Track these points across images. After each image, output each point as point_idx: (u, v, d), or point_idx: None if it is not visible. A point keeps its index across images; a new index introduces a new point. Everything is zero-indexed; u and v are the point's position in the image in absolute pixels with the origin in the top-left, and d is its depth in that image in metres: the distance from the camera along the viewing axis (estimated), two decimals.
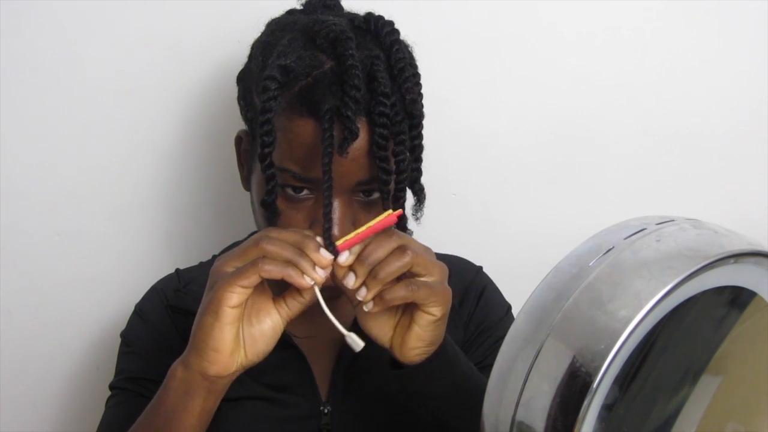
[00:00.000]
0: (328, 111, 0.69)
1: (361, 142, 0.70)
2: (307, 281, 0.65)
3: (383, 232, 0.67)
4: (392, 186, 0.73)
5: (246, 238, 0.90)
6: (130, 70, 1.01)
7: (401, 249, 0.66)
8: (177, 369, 0.68)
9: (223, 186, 1.05)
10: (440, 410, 0.73)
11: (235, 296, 0.64)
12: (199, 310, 0.67)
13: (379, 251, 0.66)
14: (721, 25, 1.07)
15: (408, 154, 0.74)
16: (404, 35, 0.80)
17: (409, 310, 0.69)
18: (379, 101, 0.70)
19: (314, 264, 0.65)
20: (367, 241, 0.66)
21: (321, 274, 0.65)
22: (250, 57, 0.80)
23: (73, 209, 1.04)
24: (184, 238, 1.07)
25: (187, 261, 0.96)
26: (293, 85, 0.71)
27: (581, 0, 1.05)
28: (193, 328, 0.67)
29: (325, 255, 0.65)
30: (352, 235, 0.66)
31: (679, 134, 1.09)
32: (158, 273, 0.92)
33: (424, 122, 0.80)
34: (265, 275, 0.64)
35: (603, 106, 1.08)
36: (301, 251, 0.65)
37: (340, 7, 0.82)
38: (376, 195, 0.74)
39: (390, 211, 0.67)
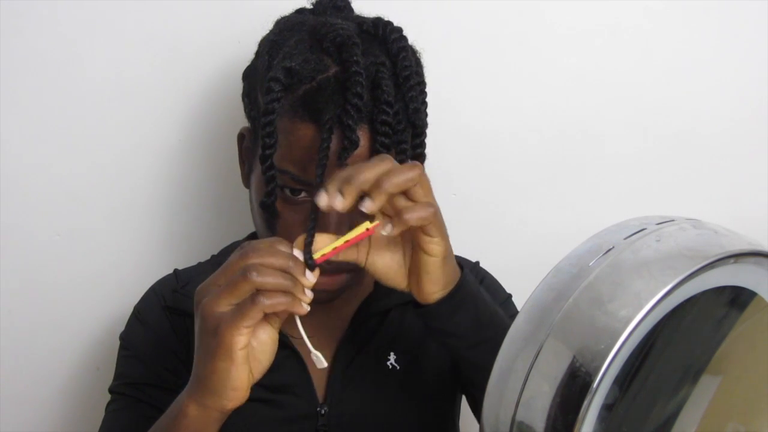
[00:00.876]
0: (329, 121, 0.68)
1: (362, 149, 0.70)
2: (305, 308, 0.62)
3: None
4: None
5: (215, 257, 0.88)
6: (130, 71, 1.01)
7: (411, 163, 0.63)
8: (188, 407, 0.65)
9: (223, 186, 1.05)
10: (465, 347, 0.71)
11: (243, 338, 0.61)
12: (202, 352, 0.63)
13: (382, 165, 0.62)
14: (721, 25, 1.07)
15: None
16: (411, 38, 0.79)
17: (415, 258, 0.67)
18: (381, 109, 0.69)
19: (303, 288, 0.63)
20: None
21: (309, 296, 0.63)
22: (257, 54, 0.79)
23: (73, 209, 1.04)
24: (184, 237, 1.07)
25: (187, 261, 0.96)
26: (297, 88, 0.71)
27: (581, 1, 1.05)
28: (202, 370, 0.63)
29: (310, 278, 0.63)
30: (329, 248, 0.64)
31: (680, 134, 1.09)
32: (158, 273, 0.92)
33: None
34: (270, 311, 0.61)
35: (603, 106, 1.08)
36: (291, 275, 0.62)
37: (350, 9, 0.81)
38: None
39: (367, 223, 0.64)
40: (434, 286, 0.67)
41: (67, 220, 1.04)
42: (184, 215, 1.07)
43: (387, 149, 0.70)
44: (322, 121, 0.69)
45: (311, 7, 0.81)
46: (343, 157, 0.69)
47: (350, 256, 0.66)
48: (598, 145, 1.09)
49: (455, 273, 0.69)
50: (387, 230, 0.63)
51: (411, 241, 0.67)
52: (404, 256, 0.68)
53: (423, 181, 0.63)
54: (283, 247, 0.63)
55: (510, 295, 0.91)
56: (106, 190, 1.04)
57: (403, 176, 0.61)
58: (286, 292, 0.61)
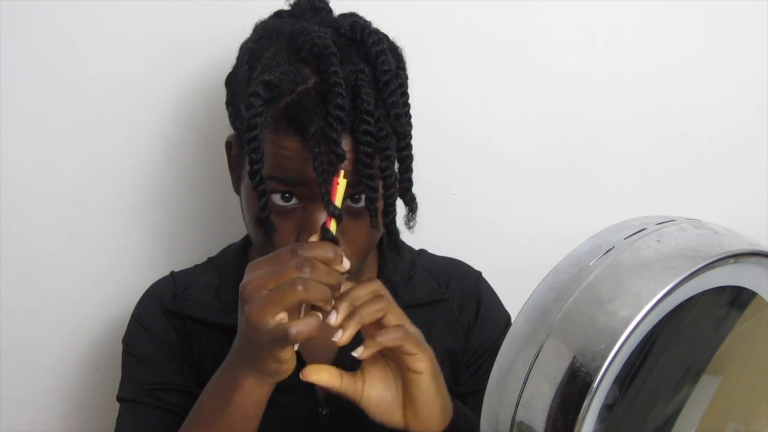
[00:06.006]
0: (315, 135, 0.68)
1: (347, 155, 0.70)
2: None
3: (366, 280, 0.69)
4: (380, 203, 0.72)
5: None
6: (130, 71, 1.01)
7: (378, 296, 0.67)
8: (243, 382, 0.67)
9: (222, 186, 1.04)
10: None
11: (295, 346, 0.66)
12: (258, 355, 0.66)
13: (360, 291, 0.67)
14: (721, 26, 1.07)
15: (395, 169, 0.73)
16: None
17: (407, 383, 0.69)
18: (362, 119, 0.69)
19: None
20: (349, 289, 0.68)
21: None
22: (238, 61, 0.78)
23: (73, 209, 1.04)
24: (184, 238, 1.07)
25: (186, 261, 0.96)
26: (278, 101, 0.70)
27: (581, 1, 1.05)
28: (261, 364, 0.66)
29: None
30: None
31: (679, 134, 1.09)
32: (158, 273, 0.92)
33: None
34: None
35: (603, 107, 1.08)
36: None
37: (329, 9, 0.80)
38: (363, 203, 0.73)
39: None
40: (430, 411, 0.69)
41: (67, 220, 1.04)
42: (183, 215, 1.07)
43: (370, 158, 0.70)
44: (306, 134, 0.69)
45: (289, 8, 0.80)
46: (331, 171, 0.69)
47: (348, 388, 0.69)
48: (598, 146, 1.09)
49: (447, 401, 0.71)
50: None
51: (400, 373, 0.70)
52: (398, 390, 0.70)
53: (392, 310, 0.68)
54: (338, 261, 0.66)
55: (509, 317, 0.91)
56: (106, 190, 1.04)
57: (373, 307, 0.66)
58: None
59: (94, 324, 1.08)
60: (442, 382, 0.70)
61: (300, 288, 0.62)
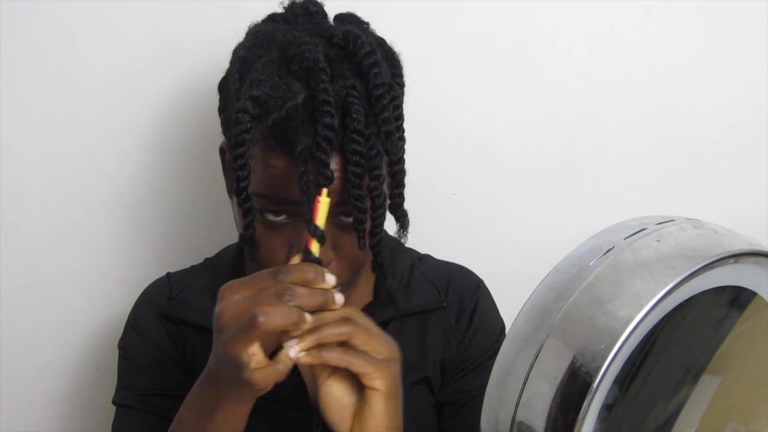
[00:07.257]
0: (302, 153, 0.67)
1: (336, 173, 0.68)
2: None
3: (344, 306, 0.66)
4: (368, 224, 0.70)
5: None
6: (128, 71, 1.01)
7: (345, 319, 0.64)
8: (223, 401, 0.65)
9: (221, 186, 1.05)
10: None
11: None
12: (238, 383, 0.63)
13: (328, 315, 0.64)
14: (721, 27, 1.07)
15: (385, 188, 0.71)
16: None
17: (362, 396, 0.66)
18: (352, 138, 0.67)
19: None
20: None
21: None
22: (231, 65, 0.77)
23: (73, 209, 1.04)
24: (182, 238, 1.07)
25: (185, 261, 0.96)
26: (266, 117, 0.68)
27: (581, 2, 1.05)
28: (240, 385, 0.64)
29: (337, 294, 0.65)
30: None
31: (679, 134, 1.09)
32: (156, 273, 0.92)
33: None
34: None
35: (603, 107, 1.08)
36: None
37: (323, 14, 0.78)
38: None
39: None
40: (376, 427, 0.65)
41: (67, 220, 1.04)
42: (182, 216, 1.07)
43: (359, 178, 0.68)
44: (294, 153, 0.67)
45: (282, 11, 0.78)
46: (316, 191, 0.67)
47: (314, 369, 0.66)
48: (598, 146, 1.09)
49: (398, 421, 0.67)
50: (294, 351, 0.62)
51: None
52: (353, 401, 0.67)
53: (357, 334, 0.64)
54: (322, 282, 0.63)
55: (503, 327, 0.89)
56: (105, 190, 1.04)
57: (334, 330, 0.63)
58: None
59: (93, 324, 1.08)
60: (398, 406, 0.67)
61: (262, 320, 0.59)
